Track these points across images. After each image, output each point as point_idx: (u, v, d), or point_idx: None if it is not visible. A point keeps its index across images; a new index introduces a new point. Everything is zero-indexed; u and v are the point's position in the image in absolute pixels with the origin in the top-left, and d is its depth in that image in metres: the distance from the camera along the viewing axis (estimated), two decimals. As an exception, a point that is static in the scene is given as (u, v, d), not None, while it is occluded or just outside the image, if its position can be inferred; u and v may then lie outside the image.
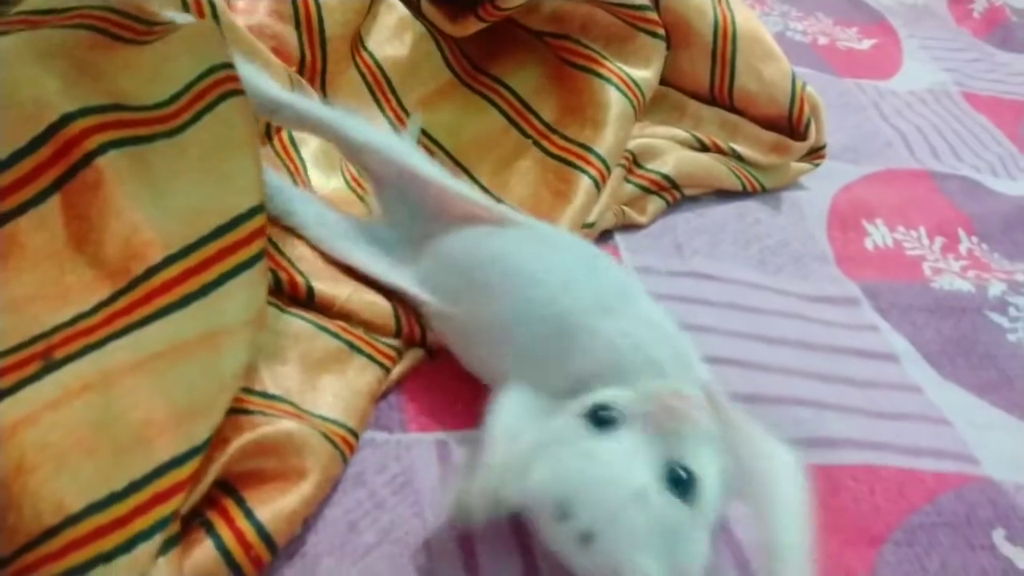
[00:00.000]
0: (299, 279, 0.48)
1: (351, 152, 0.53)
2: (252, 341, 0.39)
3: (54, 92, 0.41)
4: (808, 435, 0.54)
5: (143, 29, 0.47)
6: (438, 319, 0.50)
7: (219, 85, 0.43)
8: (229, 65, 0.43)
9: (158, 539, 0.34)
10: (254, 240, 0.40)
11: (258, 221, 0.40)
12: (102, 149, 0.40)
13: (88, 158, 0.40)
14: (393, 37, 0.68)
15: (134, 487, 0.34)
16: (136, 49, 0.45)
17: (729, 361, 0.57)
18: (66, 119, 0.39)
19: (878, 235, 0.76)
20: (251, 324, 0.39)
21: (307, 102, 0.52)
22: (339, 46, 0.63)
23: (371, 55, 0.67)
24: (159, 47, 0.45)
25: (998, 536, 0.51)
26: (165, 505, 0.35)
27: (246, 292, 0.40)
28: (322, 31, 0.61)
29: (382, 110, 0.66)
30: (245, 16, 0.59)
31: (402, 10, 0.69)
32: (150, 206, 0.40)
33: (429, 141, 0.66)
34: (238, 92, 0.43)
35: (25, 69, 0.41)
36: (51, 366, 0.35)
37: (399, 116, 0.66)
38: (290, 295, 0.48)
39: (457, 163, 0.65)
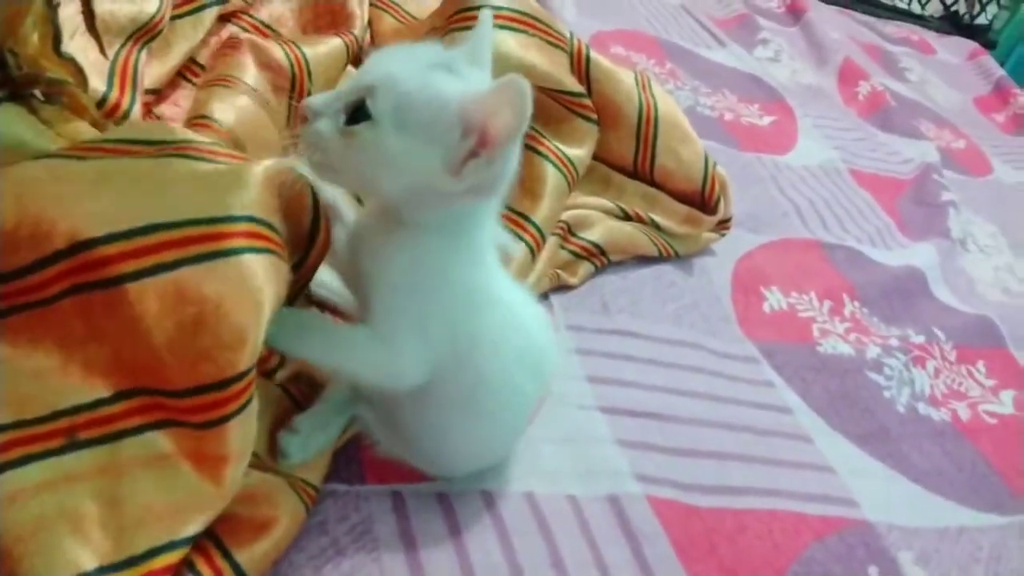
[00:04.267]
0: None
1: None
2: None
3: (86, 215, 0.40)
4: (717, 484, 0.61)
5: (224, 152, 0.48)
6: None
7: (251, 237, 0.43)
8: (264, 222, 0.43)
9: None
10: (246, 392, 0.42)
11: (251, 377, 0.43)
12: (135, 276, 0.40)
13: (117, 280, 0.40)
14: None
15: (132, 561, 0.39)
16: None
17: (650, 415, 0.65)
18: (92, 243, 0.39)
19: (774, 299, 0.86)
20: (246, 452, 0.43)
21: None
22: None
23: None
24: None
25: (873, 572, 0.60)
26: None
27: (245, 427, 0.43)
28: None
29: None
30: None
31: (357, 78, 0.74)
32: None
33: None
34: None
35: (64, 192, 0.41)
36: (75, 444, 0.39)
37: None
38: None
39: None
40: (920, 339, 0.88)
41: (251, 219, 0.41)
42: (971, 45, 2.17)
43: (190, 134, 0.47)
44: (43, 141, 0.43)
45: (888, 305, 0.91)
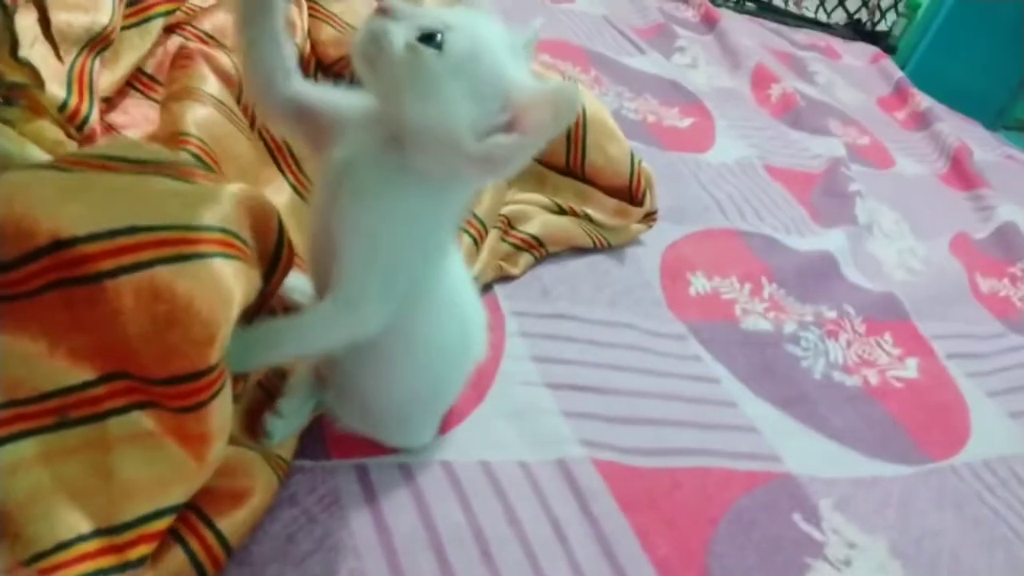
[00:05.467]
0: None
1: None
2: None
3: (68, 216, 0.42)
4: (654, 446, 0.67)
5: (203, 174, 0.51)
6: None
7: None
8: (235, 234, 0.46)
9: (141, 570, 0.42)
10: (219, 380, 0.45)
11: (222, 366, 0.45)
12: (113, 273, 0.42)
13: (97, 277, 0.42)
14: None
15: (125, 527, 0.42)
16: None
17: (591, 388, 0.70)
18: (74, 241, 0.41)
19: (699, 284, 0.92)
20: (226, 429, 0.46)
21: None
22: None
23: (274, 126, 0.75)
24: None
25: (797, 517, 0.67)
26: (147, 546, 0.42)
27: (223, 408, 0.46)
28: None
29: (283, 175, 0.74)
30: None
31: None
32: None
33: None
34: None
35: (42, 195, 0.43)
36: (66, 423, 0.42)
37: (300, 181, 0.75)
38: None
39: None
40: (832, 315, 0.96)
41: (223, 230, 0.45)
42: (873, 50, 2.33)
43: (171, 155, 0.50)
44: (3, 139, 0.45)
45: (803, 286, 0.99)
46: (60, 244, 0.41)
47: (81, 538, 0.40)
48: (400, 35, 0.44)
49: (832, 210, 1.22)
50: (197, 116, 0.61)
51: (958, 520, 0.74)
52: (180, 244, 0.43)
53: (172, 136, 0.60)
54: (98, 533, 0.41)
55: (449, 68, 0.43)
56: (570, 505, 0.59)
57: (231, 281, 0.44)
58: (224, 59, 0.69)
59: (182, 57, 0.66)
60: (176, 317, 0.42)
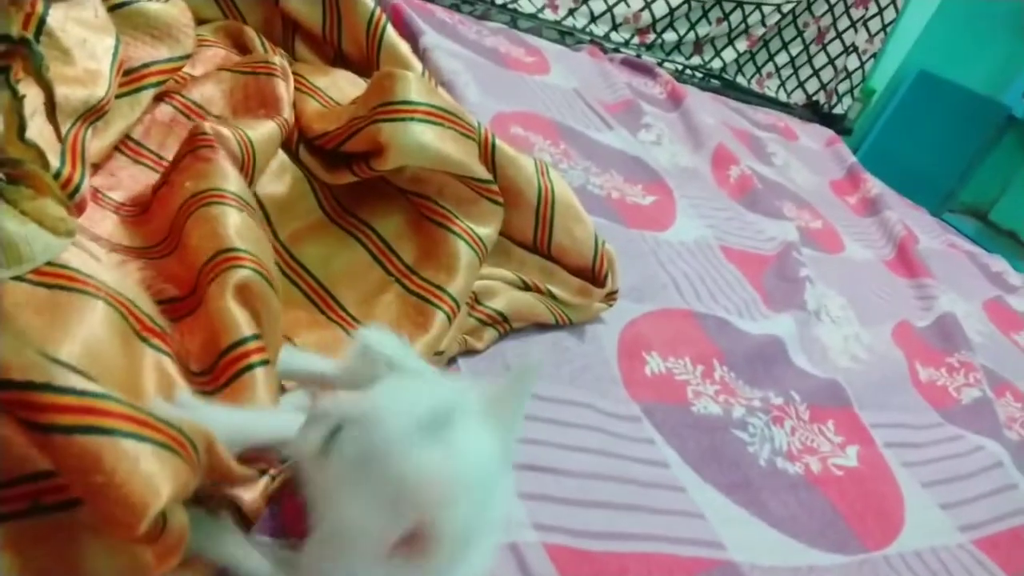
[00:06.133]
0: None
1: None
2: None
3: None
4: (604, 530, 0.69)
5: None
6: None
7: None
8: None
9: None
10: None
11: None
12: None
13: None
14: (275, 178, 0.79)
15: None
16: None
17: (547, 469, 0.72)
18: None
19: (654, 363, 0.96)
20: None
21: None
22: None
23: (254, 193, 0.77)
24: None
25: (736, 604, 0.69)
26: None
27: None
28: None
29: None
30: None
31: (283, 156, 0.80)
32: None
33: (302, 270, 0.77)
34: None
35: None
36: (39, 508, 0.43)
37: (276, 248, 0.77)
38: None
39: (327, 291, 0.76)
40: (779, 400, 1.00)
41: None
42: (828, 133, 2.44)
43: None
44: (6, 219, 0.47)
45: (752, 370, 1.03)
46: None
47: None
48: (315, 434, 0.42)
49: (783, 294, 1.27)
50: (239, 228, 0.60)
51: (888, 611, 0.78)
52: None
53: (220, 255, 0.58)
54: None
55: (344, 470, 0.41)
56: (521, 589, 0.61)
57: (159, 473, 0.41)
58: (232, 142, 0.68)
59: (200, 144, 0.64)
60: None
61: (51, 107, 0.50)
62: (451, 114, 0.79)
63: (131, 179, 0.71)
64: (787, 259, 1.37)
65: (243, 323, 0.55)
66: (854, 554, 0.83)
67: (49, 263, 0.46)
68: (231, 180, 0.62)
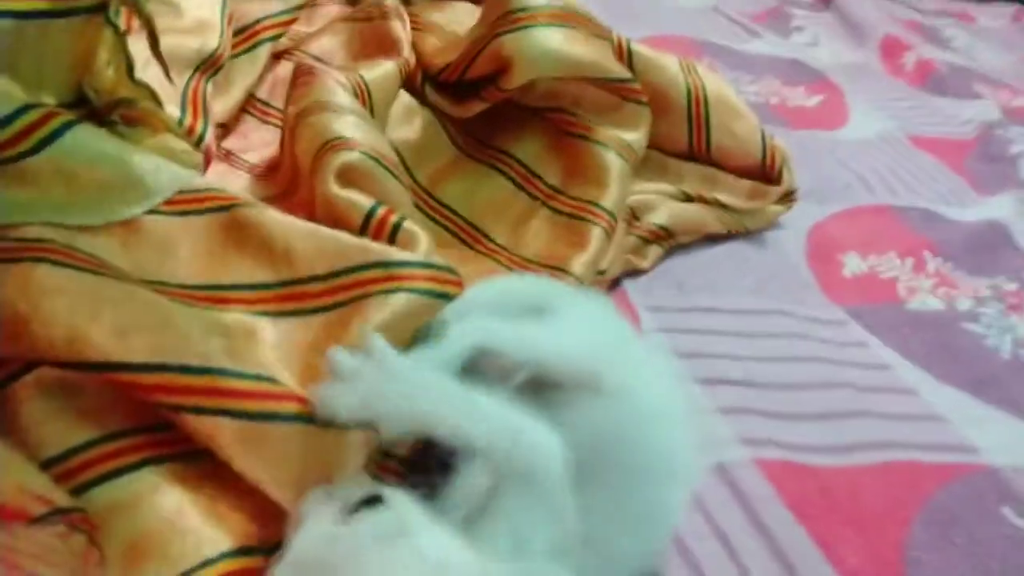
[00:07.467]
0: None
1: None
2: None
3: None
4: (825, 442, 0.59)
5: None
6: None
7: None
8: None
9: None
10: None
11: None
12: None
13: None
14: (404, 122, 0.75)
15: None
16: None
17: (745, 383, 0.63)
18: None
19: (853, 264, 0.83)
20: None
21: None
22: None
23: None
24: None
25: (1008, 512, 0.57)
26: None
27: None
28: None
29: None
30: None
31: (408, 98, 0.76)
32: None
33: (445, 209, 0.72)
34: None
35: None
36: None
37: (415, 191, 0.72)
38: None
39: (474, 227, 0.71)
40: (1013, 287, 0.84)
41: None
42: (1013, 7, 2.12)
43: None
44: (125, 152, 0.44)
45: (972, 258, 0.88)
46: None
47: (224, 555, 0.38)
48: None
49: (993, 176, 1.09)
50: (345, 122, 0.57)
51: None
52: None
53: (323, 147, 0.55)
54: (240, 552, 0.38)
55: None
56: (736, 516, 0.52)
57: None
58: (342, 77, 0.65)
59: (303, 74, 0.62)
60: None
61: (153, 40, 0.48)
62: (577, 12, 0.72)
63: (261, 142, 0.69)
64: (990, 139, 1.18)
65: (359, 199, 0.50)
66: None
67: (181, 191, 0.44)
68: (338, 94, 0.58)
